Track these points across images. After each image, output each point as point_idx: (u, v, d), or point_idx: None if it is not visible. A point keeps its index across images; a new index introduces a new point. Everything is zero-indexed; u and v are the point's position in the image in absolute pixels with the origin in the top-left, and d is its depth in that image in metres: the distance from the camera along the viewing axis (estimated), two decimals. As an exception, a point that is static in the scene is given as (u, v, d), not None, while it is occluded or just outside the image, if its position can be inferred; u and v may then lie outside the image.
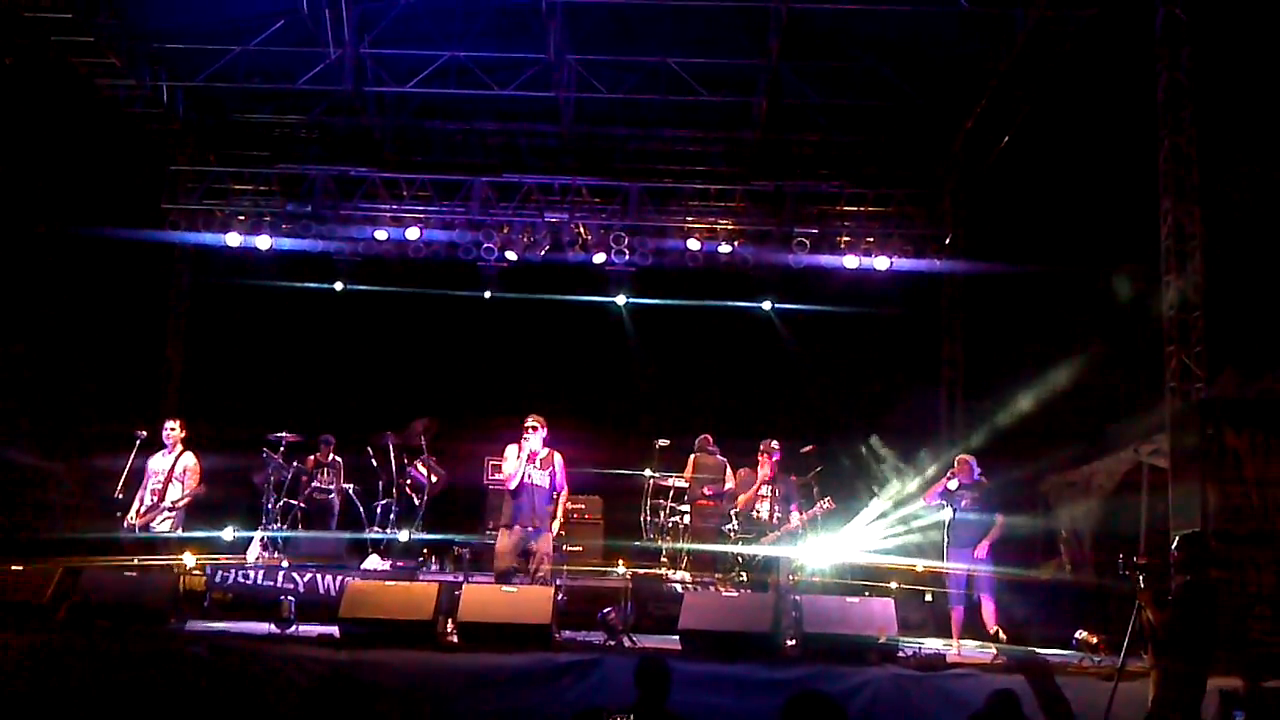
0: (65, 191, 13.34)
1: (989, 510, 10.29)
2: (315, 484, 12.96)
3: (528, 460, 9.96)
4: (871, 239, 14.76)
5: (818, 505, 11.32)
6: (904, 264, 14.67)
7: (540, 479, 9.98)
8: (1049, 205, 12.84)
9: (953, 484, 10.44)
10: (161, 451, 11.06)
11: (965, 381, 15.17)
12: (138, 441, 10.97)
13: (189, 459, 11.06)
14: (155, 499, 10.87)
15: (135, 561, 10.32)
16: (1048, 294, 13.02)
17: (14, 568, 9.34)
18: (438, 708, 7.87)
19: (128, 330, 14.64)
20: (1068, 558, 12.89)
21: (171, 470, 10.92)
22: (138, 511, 10.83)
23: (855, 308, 14.91)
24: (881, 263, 14.59)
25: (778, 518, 11.28)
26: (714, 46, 13.31)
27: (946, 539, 10.41)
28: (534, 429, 9.96)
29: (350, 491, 13.06)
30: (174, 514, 10.90)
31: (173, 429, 11.12)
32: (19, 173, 12.82)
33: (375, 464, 13.07)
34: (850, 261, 14.66)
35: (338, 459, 13.17)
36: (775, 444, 11.45)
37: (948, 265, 14.82)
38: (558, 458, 10.17)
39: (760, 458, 11.46)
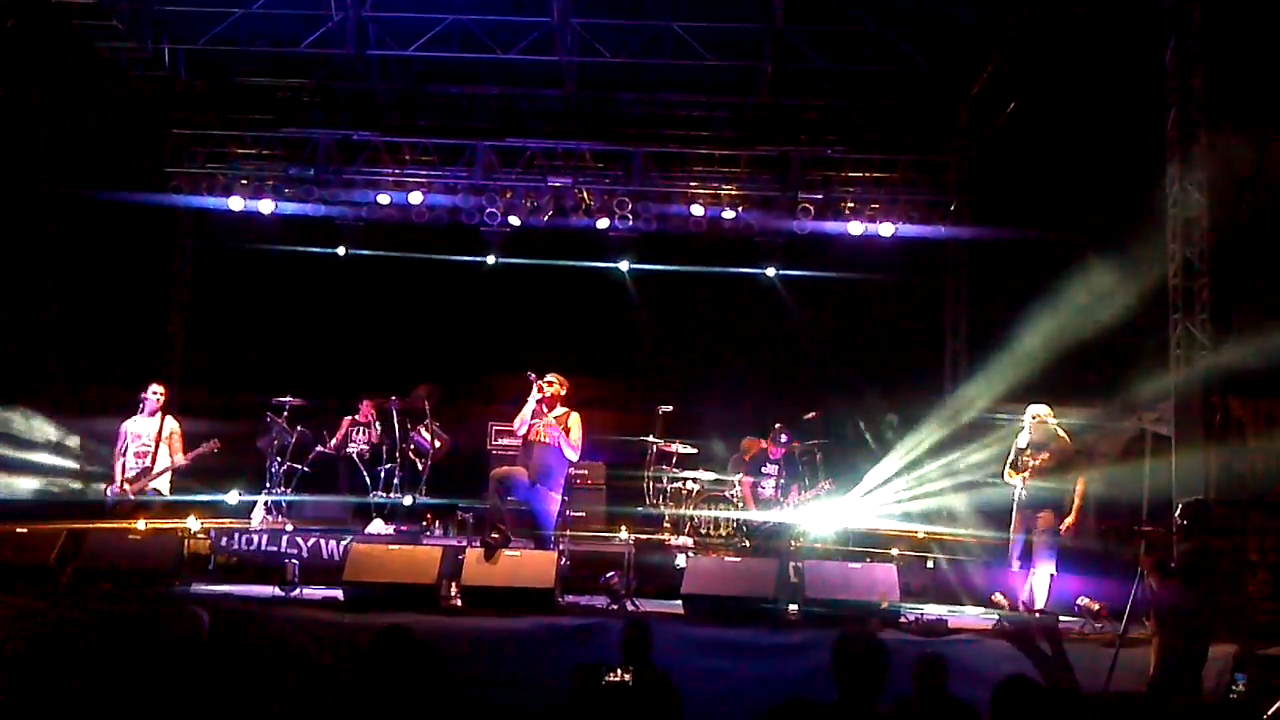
0: (67, 155, 13.27)
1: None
2: (352, 442, 12.99)
3: (534, 413, 9.97)
4: (876, 205, 14.65)
5: (818, 487, 11.47)
6: (909, 230, 14.57)
7: (548, 435, 9.97)
8: (1054, 171, 12.76)
9: (1022, 441, 9.46)
10: (138, 415, 10.96)
11: (969, 348, 15.12)
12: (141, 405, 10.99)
13: (173, 423, 11.00)
14: (141, 464, 10.81)
15: (139, 525, 10.34)
16: (1052, 260, 12.96)
17: (18, 530, 9.37)
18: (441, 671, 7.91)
19: (131, 294, 14.61)
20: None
21: (159, 435, 10.82)
22: (126, 479, 10.76)
23: (860, 274, 14.88)
24: (886, 229, 14.50)
25: (781, 496, 11.48)
26: (719, 10, 13.19)
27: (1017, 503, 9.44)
28: (549, 383, 10.01)
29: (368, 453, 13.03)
30: (164, 475, 10.85)
31: (158, 393, 10.98)
32: (21, 136, 12.75)
33: (379, 428, 13.11)
34: (855, 227, 14.56)
35: (375, 421, 13.18)
36: (784, 436, 11.67)
37: (952, 231, 14.73)
38: (574, 421, 10.08)
39: (769, 446, 11.71)
